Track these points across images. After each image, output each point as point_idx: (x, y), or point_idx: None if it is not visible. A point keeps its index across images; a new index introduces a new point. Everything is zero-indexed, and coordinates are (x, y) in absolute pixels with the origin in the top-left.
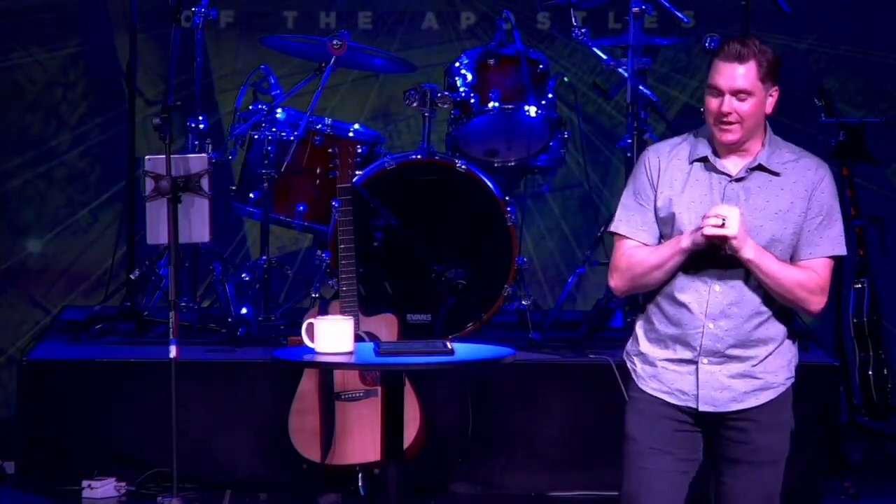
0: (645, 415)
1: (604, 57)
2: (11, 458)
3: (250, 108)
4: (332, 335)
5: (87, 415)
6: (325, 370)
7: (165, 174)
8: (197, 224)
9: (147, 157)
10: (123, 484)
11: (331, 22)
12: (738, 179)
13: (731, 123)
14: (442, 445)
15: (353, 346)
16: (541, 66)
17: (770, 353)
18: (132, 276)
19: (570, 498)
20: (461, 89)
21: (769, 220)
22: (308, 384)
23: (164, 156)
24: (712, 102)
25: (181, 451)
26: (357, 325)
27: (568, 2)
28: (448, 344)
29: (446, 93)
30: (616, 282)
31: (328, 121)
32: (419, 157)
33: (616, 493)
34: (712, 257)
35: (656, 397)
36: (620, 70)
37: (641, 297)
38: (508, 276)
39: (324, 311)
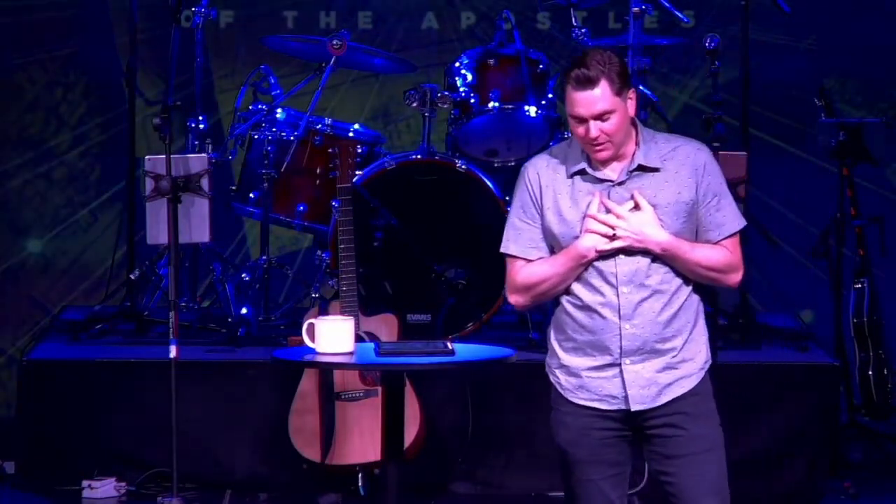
0: (571, 428)
1: None
2: (11, 458)
3: (250, 108)
4: (332, 335)
5: (87, 415)
6: (325, 370)
7: (165, 174)
8: (197, 224)
9: (147, 157)
10: (123, 484)
11: (331, 22)
12: (621, 183)
13: (601, 143)
14: (442, 445)
15: (354, 346)
16: (541, 66)
17: (686, 341)
18: (132, 276)
19: None
20: (461, 89)
21: (661, 215)
22: (308, 384)
23: (164, 156)
24: (578, 129)
25: (181, 451)
26: (357, 325)
27: (568, 2)
28: (448, 344)
29: (446, 93)
30: (517, 299)
31: (328, 121)
32: (419, 157)
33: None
34: (610, 259)
35: (586, 406)
36: None
37: (549, 306)
38: None
39: (324, 311)
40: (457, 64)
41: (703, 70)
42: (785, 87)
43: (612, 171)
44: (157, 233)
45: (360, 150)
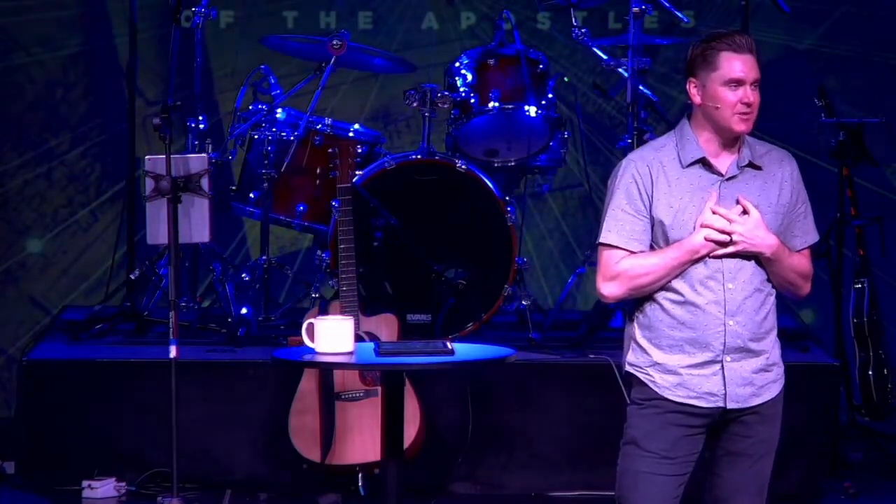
0: (654, 422)
1: (604, 57)
2: (11, 458)
3: (250, 108)
4: (332, 335)
5: (87, 415)
6: (325, 370)
7: (165, 174)
8: (197, 224)
9: (147, 157)
10: (123, 484)
11: (331, 22)
12: (731, 178)
13: (749, 113)
14: (442, 445)
15: (353, 346)
16: (541, 66)
17: (773, 344)
18: (132, 276)
19: (570, 498)
20: (461, 89)
21: (764, 214)
22: (308, 384)
23: (164, 156)
24: (730, 96)
25: (181, 451)
26: (357, 325)
27: (568, 2)
28: (448, 344)
29: (446, 93)
30: (614, 290)
31: (328, 121)
32: (419, 157)
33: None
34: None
35: (682, 403)
36: (620, 70)
37: (632, 304)
38: (508, 276)
39: (324, 311)
40: (457, 64)
41: None
42: (785, 87)
43: (724, 165)
44: (157, 233)
45: (360, 150)
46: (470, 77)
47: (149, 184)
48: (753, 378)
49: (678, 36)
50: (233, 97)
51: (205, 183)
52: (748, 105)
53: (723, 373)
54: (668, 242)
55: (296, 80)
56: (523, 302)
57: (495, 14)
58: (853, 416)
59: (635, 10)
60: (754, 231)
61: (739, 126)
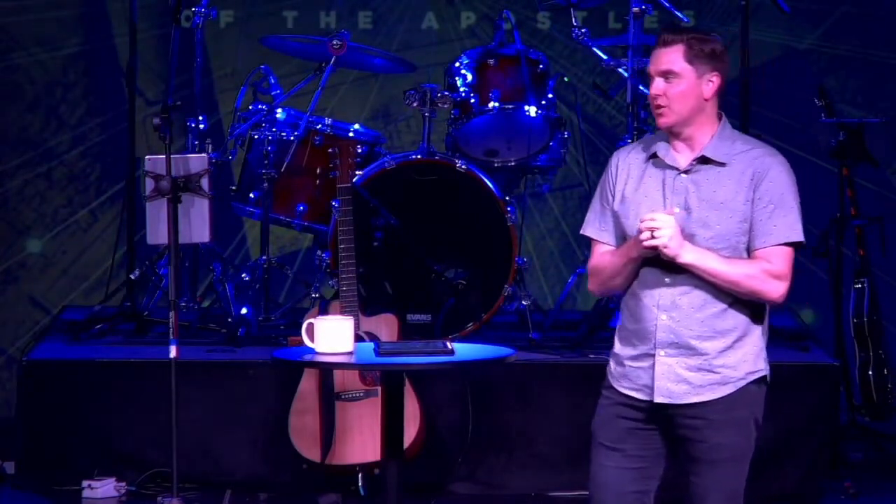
0: (606, 412)
1: (604, 57)
2: (11, 458)
3: (250, 108)
4: (332, 335)
5: (87, 415)
6: (325, 370)
7: (165, 174)
8: (197, 224)
9: (147, 157)
10: (123, 484)
11: (331, 22)
12: (686, 172)
13: (661, 107)
14: (442, 445)
15: (353, 346)
16: (541, 66)
17: (729, 346)
18: (132, 276)
19: (570, 498)
20: (461, 89)
21: (715, 210)
22: (308, 384)
23: (164, 156)
24: (649, 91)
25: (181, 451)
26: (357, 325)
27: (568, 2)
28: (448, 344)
29: (446, 93)
30: (591, 285)
31: (328, 121)
32: (419, 157)
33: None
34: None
35: (625, 395)
36: (620, 70)
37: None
38: (508, 276)
39: (324, 311)
40: (457, 64)
41: None
42: (785, 87)
43: (683, 159)
44: (157, 233)
45: (360, 150)
46: (470, 77)
47: (149, 184)
48: (689, 376)
49: None
50: (233, 97)
51: (205, 183)
52: (655, 98)
53: (654, 366)
54: (626, 236)
55: (296, 80)
56: (523, 302)
57: (495, 14)
58: (853, 416)
59: (635, 10)
60: (672, 235)
61: (658, 120)
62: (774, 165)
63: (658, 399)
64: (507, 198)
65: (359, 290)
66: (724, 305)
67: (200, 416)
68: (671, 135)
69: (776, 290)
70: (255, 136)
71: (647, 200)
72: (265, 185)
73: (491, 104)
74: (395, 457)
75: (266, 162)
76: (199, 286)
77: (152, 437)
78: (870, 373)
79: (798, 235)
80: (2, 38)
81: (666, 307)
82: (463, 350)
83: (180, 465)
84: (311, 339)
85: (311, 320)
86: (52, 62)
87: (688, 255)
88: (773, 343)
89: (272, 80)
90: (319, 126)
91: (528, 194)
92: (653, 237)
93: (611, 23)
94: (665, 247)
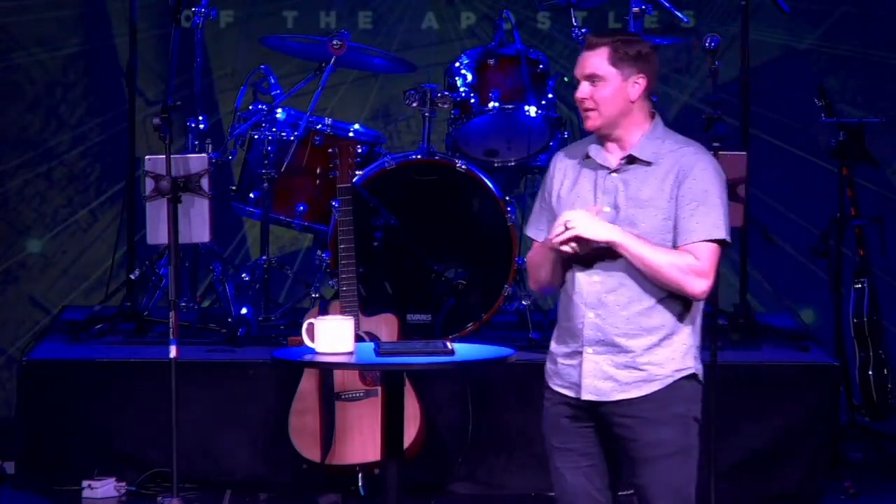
0: (550, 414)
1: None
2: (11, 458)
3: (250, 108)
4: (332, 335)
5: (87, 415)
6: (325, 370)
7: (165, 174)
8: (197, 224)
9: (147, 157)
10: (123, 484)
11: (331, 22)
12: (616, 171)
13: (588, 110)
14: (442, 445)
15: (354, 346)
16: (541, 66)
17: (656, 344)
18: (132, 276)
19: None
20: (461, 89)
21: (640, 208)
22: (308, 384)
23: (164, 156)
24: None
25: (181, 451)
26: (357, 325)
27: (568, 2)
28: (448, 344)
29: (446, 93)
30: (529, 281)
31: (328, 121)
32: (419, 157)
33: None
34: (586, 246)
35: (559, 393)
36: None
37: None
38: (508, 276)
39: (324, 311)
40: (457, 64)
41: (703, 70)
42: (785, 87)
43: (612, 159)
44: (157, 233)
45: (360, 150)
46: (470, 77)
47: (149, 184)
48: (616, 373)
49: (678, 36)
50: (233, 97)
51: (205, 183)
52: (581, 101)
53: (581, 363)
54: None
55: (296, 80)
56: (523, 302)
57: (495, 14)
58: (853, 416)
59: (635, 10)
60: (587, 224)
61: (585, 123)
62: (698, 163)
63: (585, 396)
64: (507, 198)
65: (359, 290)
66: (650, 303)
67: (200, 416)
68: (602, 136)
69: (697, 285)
70: (255, 136)
71: (579, 200)
72: (265, 185)
73: (491, 104)
74: (395, 457)
75: (266, 162)
76: (199, 286)
77: (152, 437)
78: (870, 373)
79: (721, 233)
80: (2, 38)
81: (593, 305)
82: (463, 350)
83: (180, 465)
84: (312, 339)
85: (312, 320)
86: (52, 62)
87: (616, 235)
88: (773, 343)
89: (272, 80)
90: (319, 126)
91: (528, 194)
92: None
93: (611, 23)
94: (581, 236)
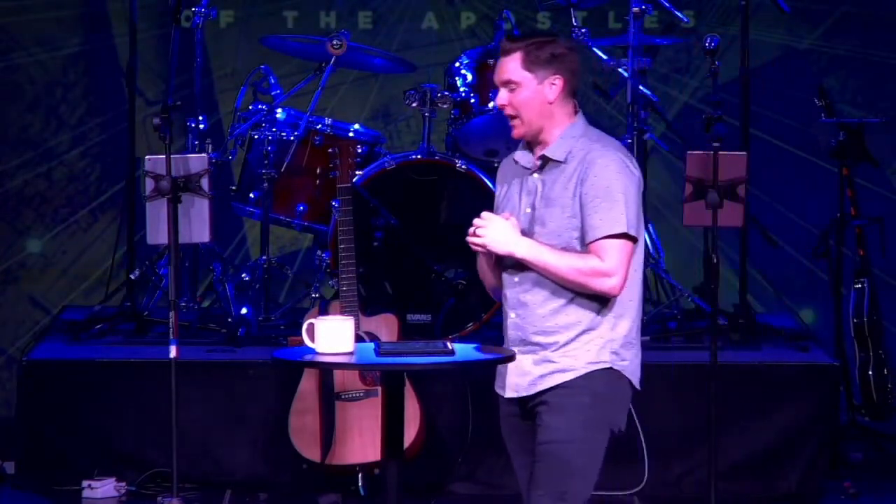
0: (501, 417)
1: (604, 57)
2: (11, 458)
3: (250, 108)
4: (332, 335)
5: (87, 415)
6: (325, 370)
7: (165, 174)
8: (197, 224)
9: (147, 157)
10: (123, 484)
11: (331, 22)
12: (537, 172)
13: (512, 117)
14: (442, 445)
15: (354, 347)
16: None
17: (572, 339)
18: (132, 276)
19: None
20: (461, 89)
21: (550, 207)
22: (308, 384)
23: (164, 156)
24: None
25: (181, 451)
26: (357, 325)
27: (568, 2)
28: (448, 344)
29: (446, 93)
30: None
31: (328, 121)
32: (419, 157)
33: (616, 493)
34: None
35: (499, 395)
36: (620, 70)
37: None
38: None
39: (324, 311)
40: (457, 64)
41: (703, 70)
42: (785, 87)
43: (532, 160)
44: (157, 233)
45: (360, 150)
46: (470, 77)
47: (149, 184)
48: (532, 369)
49: (678, 36)
50: (233, 97)
51: (205, 183)
52: (503, 108)
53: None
54: None
55: (296, 80)
56: None
57: (495, 14)
58: (853, 416)
59: (635, 10)
60: (495, 234)
61: (512, 132)
62: (600, 160)
63: (508, 394)
64: None
65: (359, 290)
66: (565, 300)
67: (200, 416)
68: (528, 139)
69: (605, 284)
70: (255, 136)
71: (509, 204)
72: (265, 185)
73: (491, 104)
74: (395, 457)
75: (266, 162)
76: (199, 286)
77: (152, 437)
78: (870, 373)
79: (622, 226)
80: (2, 38)
81: (514, 305)
82: (463, 350)
83: (180, 465)
84: (312, 339)
85: (312, 320)
86: (52, 62)
87: (520, 249)
88: (773, 343)
89: (272, 80)
90: (319, 126)
91: None
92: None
93: (611, 23)
94: (486, 246)
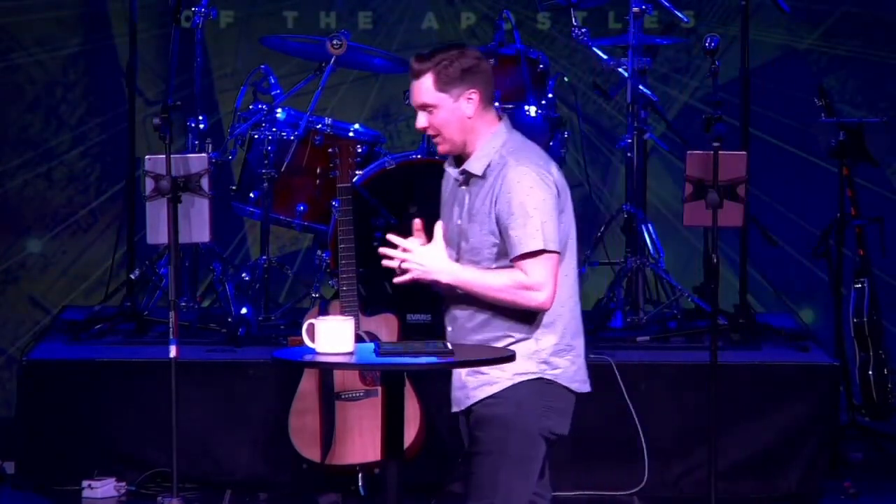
0: (462, 431)
1: (604, 57)
2: (11, 458)
3: (250, 108)
4: (332, 335)
5: (87, 415)
6: (325, 370)
7: (165, 174)
8: (197, 224)
9: (147, 157)
10: (123, 484)
11: (331, 22)
12: (462, 184)
13: (434, 136)
14: (442, 445)
15: (353, 347)
16: (541, 66)
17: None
18: (132, 276)
19: (570, 498)
20: None
21: (471, 222)
22: (308, 384)
23: (164, 156)
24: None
25: (181, 451)
26: (357, 325)
27: (568, 2)
28: (448, 344)
29: None
30: None
31: (328, 121)
32: (419, 157)
33: (616, 493)
34: None
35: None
36: (620, 70)
37: None
38: None
39: (324, 311)
40: None
41: (703, 70)
42: (785, 86)
43: (458, 173)
44: (157, 233)
45: (360, 150)
46: None
47: (149, 184)
48: (467, 381)
49: (678, 36)
50: (233, 97)
51: (205, 183)
52: (424, 130)
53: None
54: None
55: (296, 80)
56: None
57: (495, 14)
58: (853, 416)
59: (635, 10)
60: (423, 260)
61: (437, 149)
62: (512, 176)
63: (454, 409)
64: None
65: (359, 290)
66: (490, 314)
67: (200, 416)
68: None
69: (532, 299)
70: (255, 136)
71: (444, 214)
72: (265, 185)
73: None
74: (395, 457)
75: (266, 162)
76: (199, 286)
77: (152, 437)
78: (870, 373)
79: (539, 243)
80: (2, 38)
81: (449, 320)
82: (463, 350)
83: (180, 465)
84: (312, 339)
85: (312, 320)
86: (52, 62)
87: (447, 277)
88: (773, 343)
89: (272, 80)
90: (319, 126)
91: None
92: (402, 269)
93: (611, 23)
94: (414, 278)
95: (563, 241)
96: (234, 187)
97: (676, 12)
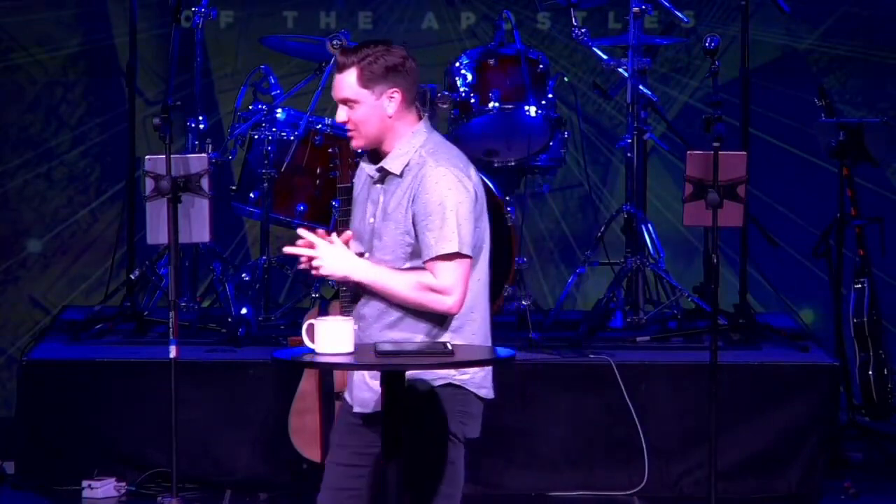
0: (343, 413)
1: (604, 57)
2: (11, 458)
3: (250, 108)
4: (332, 335)
5: (87, 415)
6: (325, 370)
7: (165, 174)
8: (197, 224)
9: (147, 157)
10: (123, 484)
11: (331, 22)
12: (377, 182)
13: (351, 131)
14: None
15: (353, 347)
16: (541, 66)
17: None
18: (132, 276)
19: (570, 498)
20: (461, 89)
21: (386, 221)
22: (308, 384)
23: (164, 156)
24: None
25: (181, 451)
26: None
27: (568, 2)
28: (448, 344)
29: (446, 93)
30: None
31: (328, 121)
32: None
33: (616, 493)
34: None
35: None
36: (620, 70)
37: None
38: (508, 276)
39: (324, 311)
40: (457, 64)
41: (703, 70)
42: (785, 87)
43: (374, 170)
44: (157, 233)
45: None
46: (470, 77)
47: (149, 184)
48: (373, 384)
49: (678, 36)
50: (233, 97)
51: (205, 183)
52: (341, 123)
53: (352, 376)
54: None
55: (296, 80)
56: (523, 302)
57: (495, 14)
58: (853, 416)
59: (635, 10)
60: (329, 259)
61: (351, 143)
62: (430, 177)
63: (356, 409)
64: (507, 198)
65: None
66: (398, 315)
67: (200, 416)
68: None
69: (440, 303)
70: (255, 136)
71: (358, 211)
72: (265, 185)
73: (491, 104)
74: (395, 457)
75: (266, 162)
76: (199, 286)
77: (152, 437)
78: (870, 373)
79: (453, 246)
80: (2, 38)
81: (357, 318)
82: (463, 350)
83: (180, 465)
84: (312, 339)
85: (311, 321)
86: (52, 62)
87: (357, 273)
88: (773, 343)
89: (272, 80)
90: (319, 126)
91: (528, 194)
92: (311, 265)
93: (611, 23)
94: (323, 275)
95: (478, 246)
96: (234, 187)
97: (676, 12)
